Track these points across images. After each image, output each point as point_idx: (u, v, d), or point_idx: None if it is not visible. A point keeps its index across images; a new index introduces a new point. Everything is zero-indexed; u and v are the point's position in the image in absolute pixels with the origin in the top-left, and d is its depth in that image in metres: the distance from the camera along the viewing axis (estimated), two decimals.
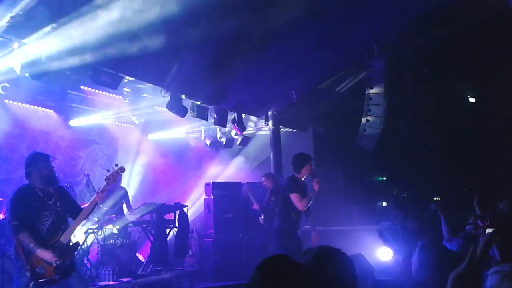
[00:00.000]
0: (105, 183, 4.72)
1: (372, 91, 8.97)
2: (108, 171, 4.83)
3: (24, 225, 4.32)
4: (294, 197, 6.04)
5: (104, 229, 7.52)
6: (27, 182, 4.61)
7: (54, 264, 4.31)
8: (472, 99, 11.16)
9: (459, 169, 10.26)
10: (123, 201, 8.47)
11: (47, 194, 4.58)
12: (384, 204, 11.35)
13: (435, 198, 10.57)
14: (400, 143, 9.94)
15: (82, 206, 4.84)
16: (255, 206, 8.94)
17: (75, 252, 4.77)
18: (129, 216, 8.33)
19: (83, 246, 7.19)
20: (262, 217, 8.74)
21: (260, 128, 11.10)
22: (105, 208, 7.72)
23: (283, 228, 6.16)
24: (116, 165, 4.93)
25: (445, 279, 2.89)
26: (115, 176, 4.78)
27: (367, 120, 9.03)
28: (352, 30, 7.73)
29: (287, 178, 6.42)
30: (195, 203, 10.57)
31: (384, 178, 11.55)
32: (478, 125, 10.03)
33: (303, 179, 6.26)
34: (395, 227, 8.42)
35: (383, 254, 7.45)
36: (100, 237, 7.48)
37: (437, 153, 10.07)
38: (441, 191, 10.46)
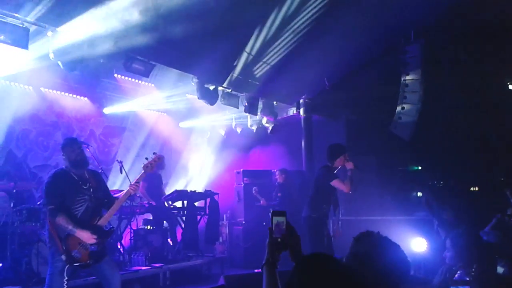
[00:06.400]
0: (143, 171, 4.74)
1: (408, 77, 8.73)
2: (146, 159, 4.84)
3: (60, 208, 4.33)
4: (336, 183, 5.93)
5: (137, 216, 7.65)
6: (63, 166, 4.67)
7: (94, 241, 4.33)
8: (511, 86, 10.69)
9: (497, 159, 9.88)
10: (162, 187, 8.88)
11: (82, 178, 4.60)
12: (419, 194, 11.07)
13: (472, 188, 10.24)
14: (437, 131, 9.64)
15: (116, 195, 4.81)
16: (262, 202, 9.13)
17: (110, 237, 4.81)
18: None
19: (117, 232, 7.29)
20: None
21: (291, 116, 10.97)
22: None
23: (314, 217, 6.04)
24: (154, 153, 4.95)
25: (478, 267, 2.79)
26: (152, 164, 4.80)
27: (403, 108, 8.80)
28: (388, 14, 7.49)
29: (322, 167, 6.24)
30: (225, 191, 10.58)
31: (419, 168, 11.25)
32: None
33: (336, 171, 6.12)
34: (430, 217, 8.18)
35: (417, 245, 7.29)
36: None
37: (475, 141, 9.72)
38: (478, 181, 10.12)
